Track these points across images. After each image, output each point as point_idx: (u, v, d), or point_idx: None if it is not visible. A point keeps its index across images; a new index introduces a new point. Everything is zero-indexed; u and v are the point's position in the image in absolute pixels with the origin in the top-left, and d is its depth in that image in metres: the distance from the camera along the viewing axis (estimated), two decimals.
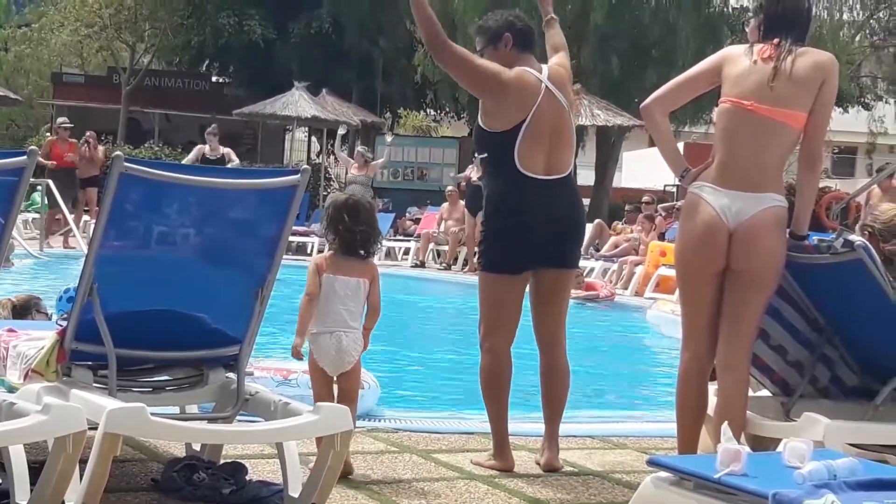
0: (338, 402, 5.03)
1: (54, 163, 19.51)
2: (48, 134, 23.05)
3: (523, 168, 5.48)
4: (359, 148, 22.00)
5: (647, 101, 5.05)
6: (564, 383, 5.68)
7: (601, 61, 26.56)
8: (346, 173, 20.79)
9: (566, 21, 26.02)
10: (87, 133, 21.32)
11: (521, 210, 5.51)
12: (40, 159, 18.25)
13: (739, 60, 4.91)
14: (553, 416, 5.65)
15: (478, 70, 5.54)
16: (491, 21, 5.75)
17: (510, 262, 5.55)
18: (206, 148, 19.16)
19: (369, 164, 20.57)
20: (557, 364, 5.66)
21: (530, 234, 5.51)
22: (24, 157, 4.29)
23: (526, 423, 6.39)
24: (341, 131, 22.15)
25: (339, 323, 5.06)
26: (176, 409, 4.91)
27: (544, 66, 5.68)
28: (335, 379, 5.16)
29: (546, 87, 5.57)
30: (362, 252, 5.16)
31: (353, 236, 5.12)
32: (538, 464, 5.59)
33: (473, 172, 19.70)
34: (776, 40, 4.88)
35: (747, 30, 5.25)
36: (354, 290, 5.11)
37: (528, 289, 5.69)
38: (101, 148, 21.26)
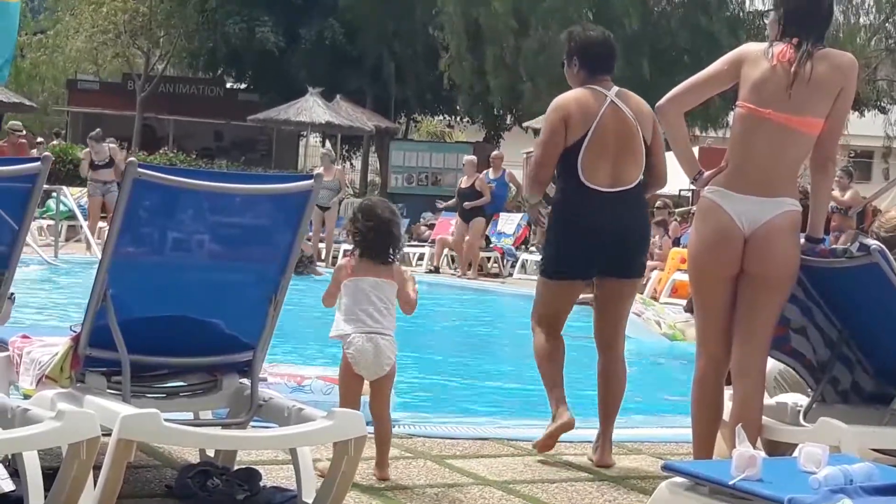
0: (372, 402, 5.27)
1: None
2: (34, 140, 22.91)
3: (587, 180, 5.61)
4: (323, 150, 21.74)
5: (662, 100, 5.03)
6: (621, 384, 5.89)
7: (630, 66, 26.67)
8: None
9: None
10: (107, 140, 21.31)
11: (585, 221, 5.66)
12: None
13: (759, 62, 4.86)
14: (608, 415, 5.85)
15: (550, 147, 5.65)
16: (568, 36, 5.89)
17: (572, 270, 5.76)
18: (90, 152, 19.01)
19: (334, 168, 20.32)
20: (615, 366, 5.87)
21: (593, 245, 5.68)
22: (38, 163, 4.29)
23: (541, 430, 6.38)
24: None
25: (372, 324, 5.13)
26: (190, 415, 4.91)
27: (618, 88, 5.77)
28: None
29: (611, 100, 5.67)
30: (381, 257, 5.20)
31: (367, 240, 5.19)
32: (591, 460, 5.77)
33: (464, 180, 19.70)
34: (795, 40, 4.83)
35: (766, 21, 5.22)
36: (378, 287, 5.17)
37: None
38: (121, 154, 21.17)
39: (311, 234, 20.23)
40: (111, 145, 19.66)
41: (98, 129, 20.18)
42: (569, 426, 5.65)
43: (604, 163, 5.62)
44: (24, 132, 21.08)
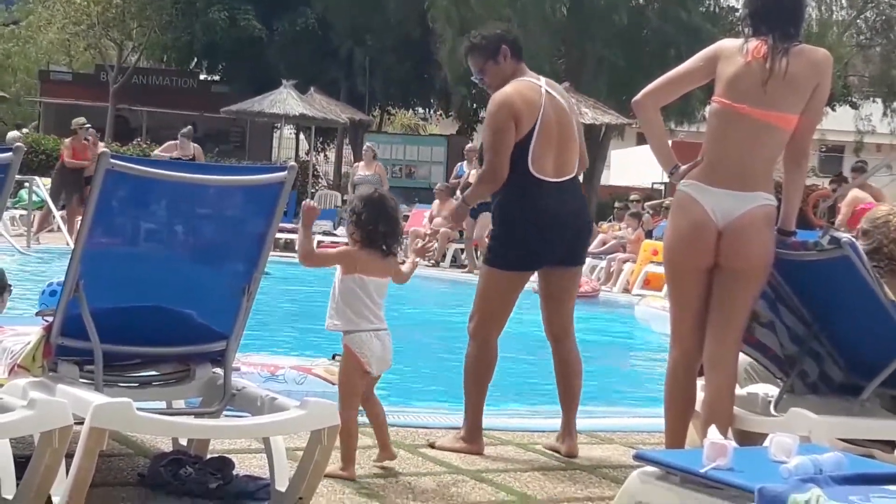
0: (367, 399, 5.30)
1: (76, 161, 18.93)
2: (25, 131, 22.50)
3: (536, 172, 5.61)
4: (368, 143, 21.67)
5: (639, 95, 5.05)
6: (578, 373, 5.89)
7: (609, 59, 26.73)
8: (354, 174, 20.29)
9: (560, 20, 26.17)
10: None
11: (536, 213, 5.65)
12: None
13: (734, 58, 4.89)
14: (570, 405, 5.86)
15: (504, 147, 5.59)
16: (483, 38, 5.86)
17: (523, 261, 5.73)
18: (174, 147, 19.07)
19: (375, 163, 20.23)
20: (570, 355, 5.88)
21: (544, 236, 5.68)
22: (10, 153, 4.27)
23: (514, 419, 6.42)
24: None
25: (374, 321, 5.16)
26: (162, 404, 4.91)
27: (542, 77, 5.80)
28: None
29: (546, 91, 5.69)
30: (384, 248, 5.19)
31: (376, 232, 5.16)
32: (557, 452, 5.76)
33: (472, 177, 19.58)
34: (767, 37, 4.86)
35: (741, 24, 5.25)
36: (382, 287, 5.20)
37: (535, 285, 5.91)
38: (101, 144, 20.96)
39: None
40: (195, 145, 19.61)
41: (189, 127, 20.18)
42: (477, 453, 5.65)
43: (549, 154, 5.63)
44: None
